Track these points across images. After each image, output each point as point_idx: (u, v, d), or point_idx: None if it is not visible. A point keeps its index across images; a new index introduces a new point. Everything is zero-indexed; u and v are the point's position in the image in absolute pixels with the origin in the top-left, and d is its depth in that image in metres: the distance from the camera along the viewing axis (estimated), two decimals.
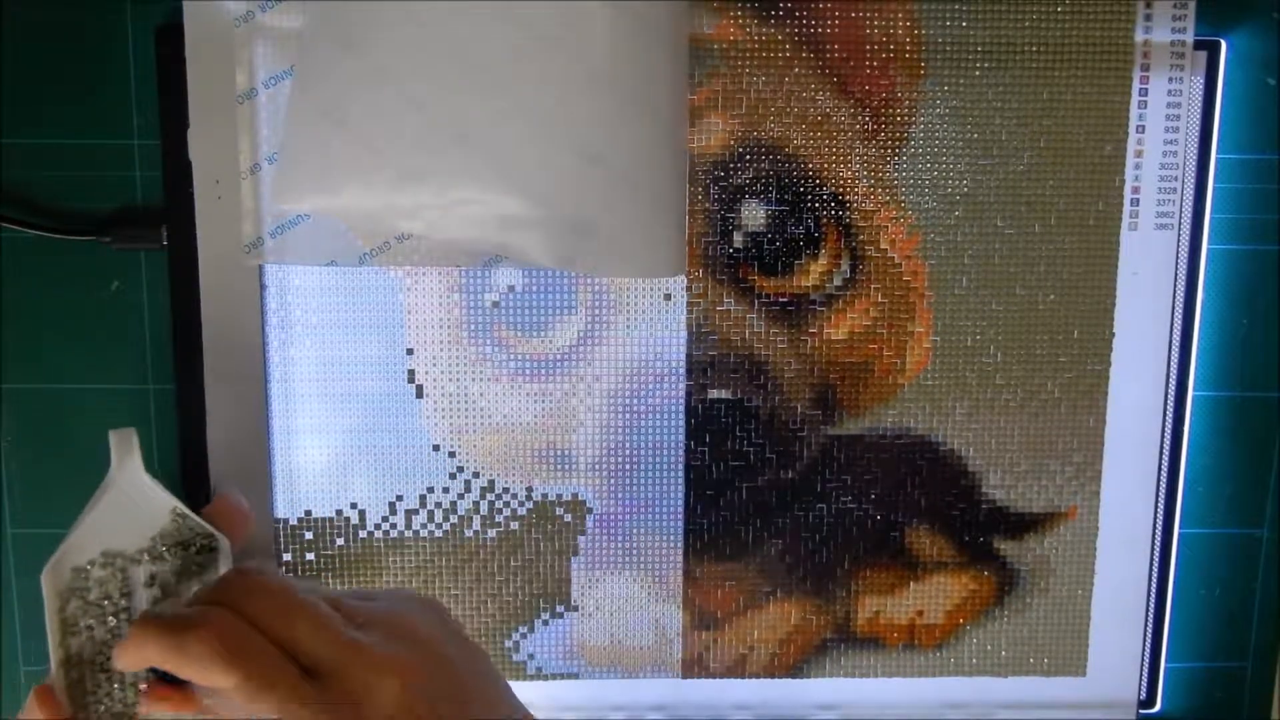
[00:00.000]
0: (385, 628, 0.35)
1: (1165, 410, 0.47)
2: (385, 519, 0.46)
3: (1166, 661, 0.50)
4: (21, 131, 0.44)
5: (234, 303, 0.44)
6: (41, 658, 0.48)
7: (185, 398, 0.45)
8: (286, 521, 0.46)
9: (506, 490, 0.47)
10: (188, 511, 0.39)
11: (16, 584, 0.47)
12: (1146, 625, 0.49)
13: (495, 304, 0.45)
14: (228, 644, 0.32)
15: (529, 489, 0.47)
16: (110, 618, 0.39)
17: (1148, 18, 0.44)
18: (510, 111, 0.40)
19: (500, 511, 0.47)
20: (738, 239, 0.45)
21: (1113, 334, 0.47)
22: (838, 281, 0.46)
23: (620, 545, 0.47)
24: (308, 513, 0.46)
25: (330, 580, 0.46)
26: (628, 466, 0.47)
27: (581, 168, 0.40)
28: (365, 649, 0.34)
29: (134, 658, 0.33)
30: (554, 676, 0.48)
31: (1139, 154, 0.45)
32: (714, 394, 0.46)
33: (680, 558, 0.47)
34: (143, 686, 0.36)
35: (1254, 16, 0.46)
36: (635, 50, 0.40)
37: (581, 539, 0.47)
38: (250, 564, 0.37)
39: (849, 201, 0.45)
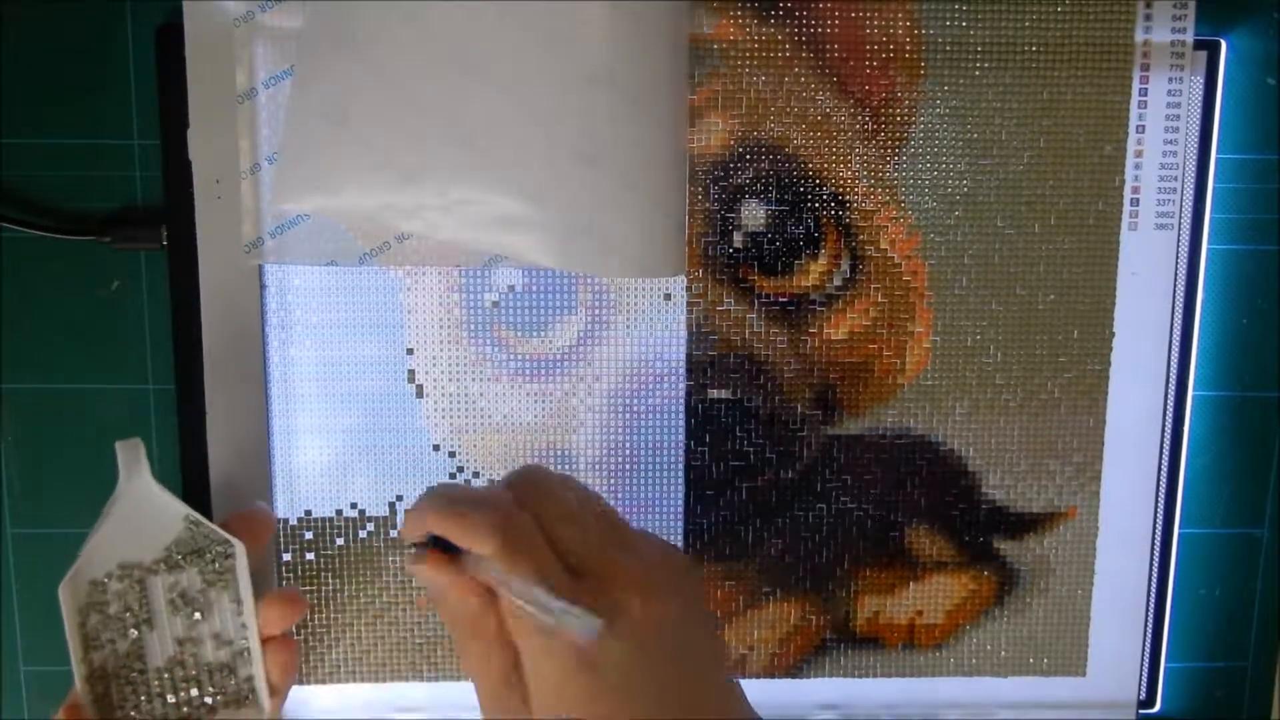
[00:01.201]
0: (644, 559, 0.37)
1: (1165, 410, 0.47)
2: (385, 519, 0.46)
3: (1166, 661, 0.50)
4: (21, 131, 0.44)
5: (234, 303, 0.44)
6: (42, 657, 0.48)
7: (185, 398, 0.45)
8: (286, 521, 0.46)
9: None
10: (200, 519, 0.39)
11: (17, 584, 0.47)
12: (1146, 625, 0.49)
13: (495, 304, 0.45)
14: (502, 519, 0.35)
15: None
16: (132, 630, 0.39)
17: (1148, 17, 0.44)
18: (510, 111, 0.40)
19: None
20: (737, 239, 0.45)
21: (1113, 334, 0.47)
22: (838, 281, 0.46)
23: None
24: (308, 512, 0.46)
25: (330, 580, 0.46)
26: (628, 466, 0.47)
27: (581, 168, 0.40)
28: (621, 565, 0.36)
29: (419, 522, 0.36)
30: None
31: (1139, 154, 0.45)
32: (714, 394, 0.46)
33: None
34: (412, 550, 0.37)
35: (1254, 16, 0.46)
36: (635, 50, 0.40)
37: None
38: (532, 466, 0.39)
39: (849, 201, 0.45)
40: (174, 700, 0.40)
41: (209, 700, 0.40)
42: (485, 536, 0.35)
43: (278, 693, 0.42)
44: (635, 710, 0.35)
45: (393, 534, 0.46)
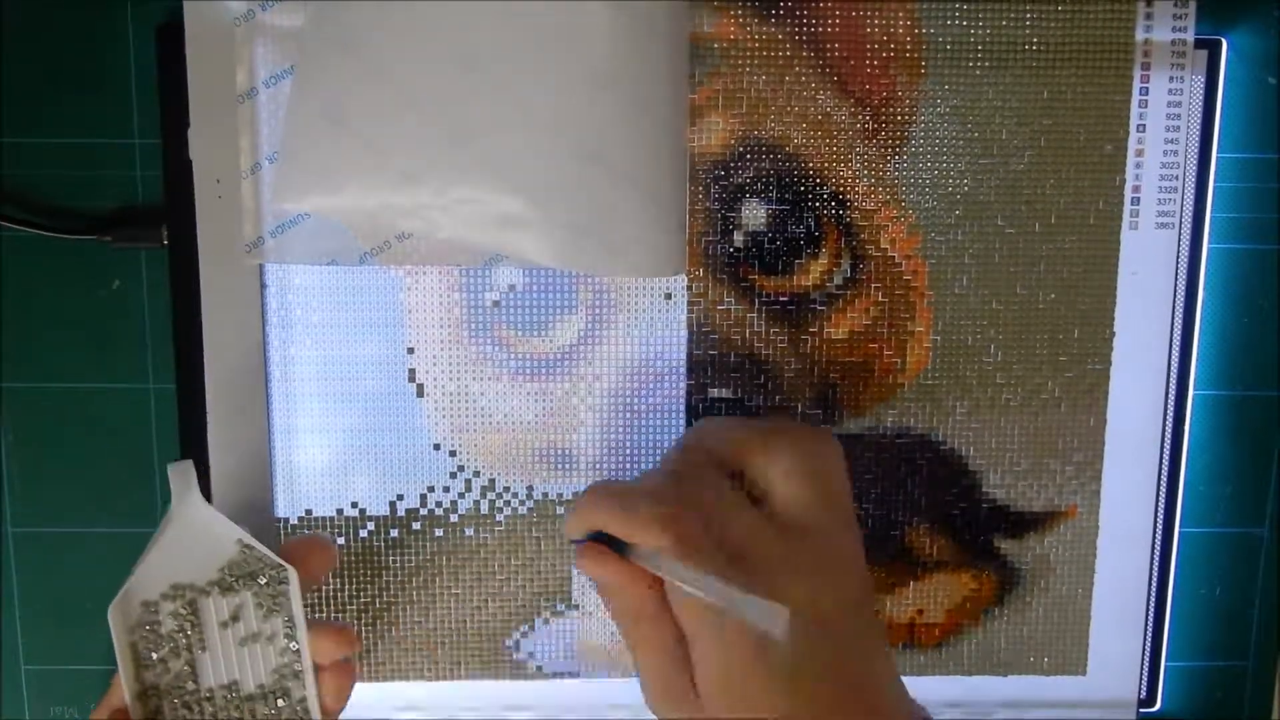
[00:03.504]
0: (807, 545, 0.37)
1: (1165, 409, 0.47)
2: (386, 518, 0.46)
3: (1167, 661, 0.50)
4: (21, 131, 0.44)
5: (234, 302, 0.44)
6: (42, 656, 0.48)
7: (185, 398, 0.45)
8: (287, 521, 0.46)
9: (507, 489, 0.47)
10: (254, 542, 0.39)
11: (18, 583, 0.47)
12: (1147, 624, 0.49)
13: (496, 303, 0.45)
14: (669, 513, 0.36)
15: (529, 488, 0.47)
16: (184, 651, 0.39)
17: (1148, 16, 0.44)
18: (510, 111, 0.40)
19: (501, 511, 0.47)
20: (738, 238, 0.45)
21: (1113, 333, 0.47)
22: (838, 281, 0.46)
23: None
24: (308, 512, 0.46)
25: (330, 579, 0.46)
26: (628, 466, 0.47)
27: (581, 168, 0.40)
28: (784, 553, 0.37)
29: (584, 519, 0.37)
30: (554, 675, 0.48)
31: (1139, 153, 0.45)
32: (714, 393, 0.46)
33: None
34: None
35: (1255, 15, 0.46)
36: (635, 50, 0.40)
37: None
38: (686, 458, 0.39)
39: (849, 201, 0.45)
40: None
41: None
42: (654, 531, 0.36)
43: (330, 715, 0.42)
44: (801, 690, 0.36)
45: (393, 533, 0.46)
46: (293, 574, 0.40)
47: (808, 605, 0.36)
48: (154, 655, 0.39)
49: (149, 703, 0.39)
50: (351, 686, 0.42)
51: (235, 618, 0.40)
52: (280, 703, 0.40)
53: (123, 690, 0.39)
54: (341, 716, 0.47)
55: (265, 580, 0.40)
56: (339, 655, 0.41)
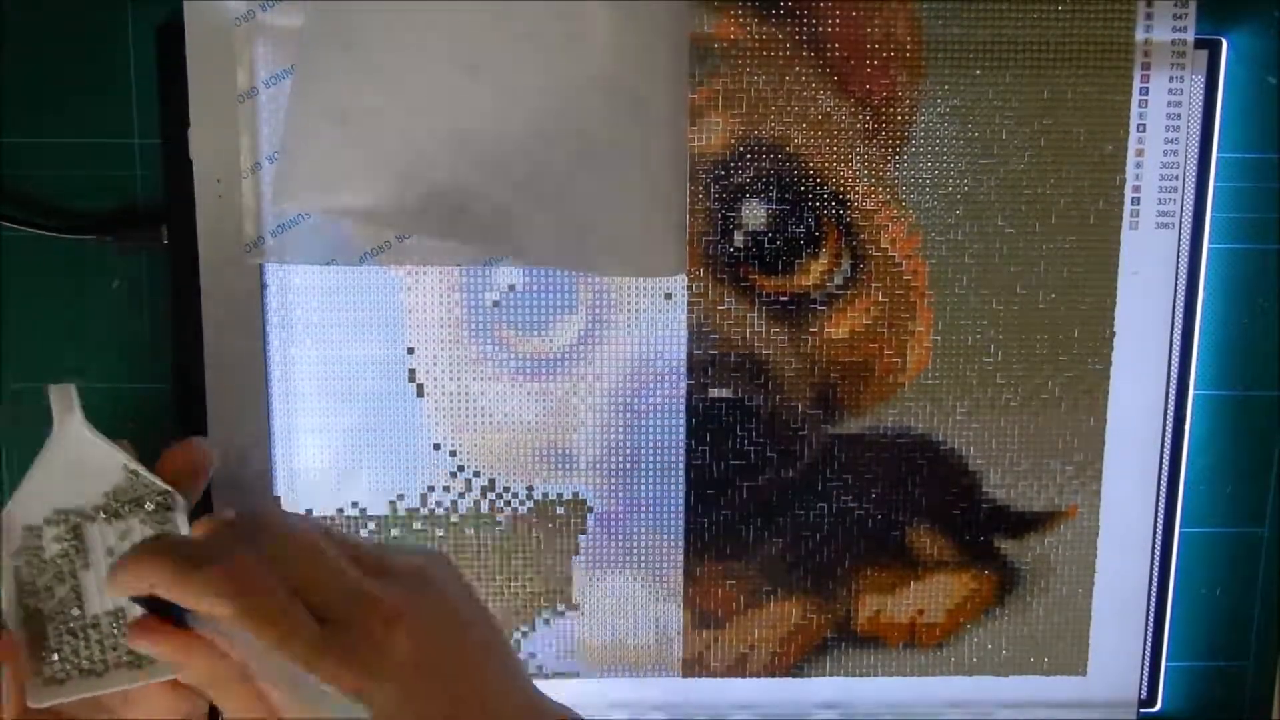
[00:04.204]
0: (401, 582, 0.34)
1: (1165, 409, 0.47)
2: (387, 518, 0.46)
3: (1167, 661, 0.50)
4: (22, 131, 0.44)
5: (234, 302, 0.44)
6: None
7: (185, 398, 0.45)
8: None
9: (507, 489, 0.47)
10: (139, 467, 0.38)
11: None
12: (1147, 624, 0.49)
13: (496, 303, 0.45)
14: (237, 573, 0.31)
15: (530, 488, 0.47)
16: (69, 577, 0.39)
17: (1148, 16, 0.44)
18: (510, 111, 0.40)
19: (501, 510, 0.47)
20: (738, 238, 0.45)
21: (1113, 333, 0.47)
22: (838, 281, 0.46)
23: (621, 544, 0.47)
24: (309, 511, 0.46)
25: None
26: (628, 465, 0.47)
27: (582, 167, 0.40)
28: (378, 600, 0.32)
29: (134, 580, 0.31)
30: (555, 675, 0.48)
31: (1139, 153, 0.45)
32: (714, 393, 0.46)
33: (681, 557, 0.47)
34: (124, 621, 0.35)
35: (1255, 15, 0.46)
36: (635, 50, 0.40)
37: (582, 538, 0.47)
38: (260, 505, 0.35)
39: (849, 200, 0.45)
40: (114, 647, 0.39)
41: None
42: (219, 597, 0.30)
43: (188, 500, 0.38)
44: None
45: (395, 533, 0.46)
46: (179, 499, 0.39)
47: (415, 659, 0.32)
48: (37, 581, 0.38)
49: (33, 628, 0.38)
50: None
51: (122, 540, 0.38)
52: None
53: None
54: (342, 717, 0.47)
55: (152, 506, 0.39)
56: (195, 478, 0.38)
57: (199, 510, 0.41)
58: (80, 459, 0.38)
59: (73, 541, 0.39)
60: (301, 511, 0.46)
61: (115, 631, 0.39)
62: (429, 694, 0.33)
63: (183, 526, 0.39)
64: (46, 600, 0.38)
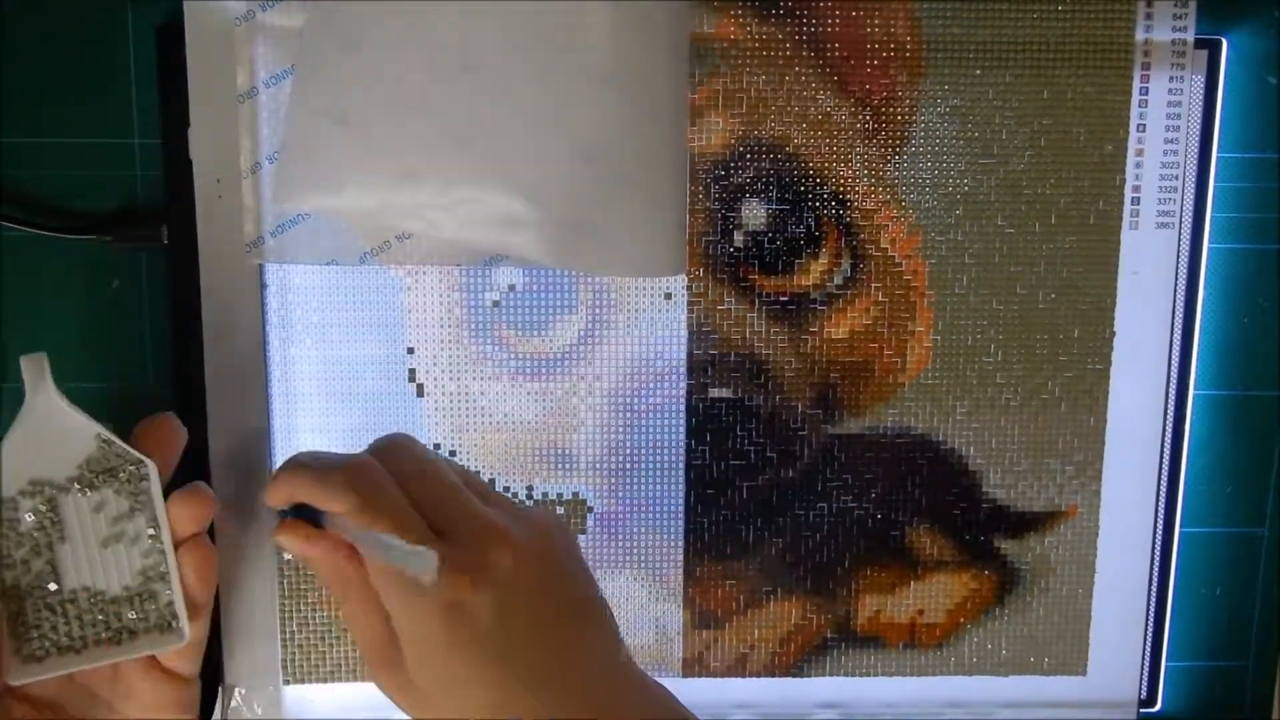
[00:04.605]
0: (513, 516, 0.37)
1: (1165, 409, 0.47)
2: None
3: (1167, 661, 0.50)
4: (22, 131, 0.44)
5: (234, 302, 0.44)
6: None
7: (185, 398, 0.45)
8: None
9: (507, 489, 0.47)
10: (113, 437, 0.38)
11: None
12: (1147, 624, 0.49)
13: (496, 303, 0.45)
14: (359, 474, 0.35)
15: (529, 488, 0.47)
16: (45, 550, 0.38)
17: (1148, 16, 0.44)
18: (510, 111, 0.40)
19: None
20: (738, 238, 0.45)
21: (1113, 333, 0.47)
22: (838, 280, 0.46)
23: (621, 544, 0.47)
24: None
25: None
26: (628, 465, 0.47)
27: (581, 167, 0.40)
28: (489, 521, 0.36)
29: (282, 488, 0.36)
30: None
31: (1139, 153, 0.45)
32: (714, 393, 0.46)
33: (681, 557, 0.47)
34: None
35: (1255, 15, 0.46)
36: (635, 49, 0.40)
37: (582, 538, 0.47)
38: (392, 434, 0.39)
39: (849, 200, 0.45)
40: (93, 624, 0.39)
41: (131, 626, 0.39)
42: (340, 494, 0.35)
43: (199, 609, 0.40)
44: (505, 664, 0.34)
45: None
46: (153, 468, 0.39)
47: (515, 579, 0.35)
48: (14, 554, 0.38)
49: (10, 604, 0.38)
50: (215, 569, 0.40)
51: (98, 516, 0.39)
52: (148, 605, 0.39)
53: None
54: (344, 717, 0.47)
55: (126, 476, 0.39)
56: (201, 523, 0.39)
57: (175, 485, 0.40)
58: (54, 428, 0.38)
59: (48, 514, 0.38)
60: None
61: (93, 608, 0.39)
62: (519, 615, 0.35)
63: (157, 497, 0.39)
64: (23, 574, 0.38)
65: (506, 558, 0.35)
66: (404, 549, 0.33)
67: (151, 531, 0.39)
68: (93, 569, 0.39)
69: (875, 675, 0.49)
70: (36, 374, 0.38)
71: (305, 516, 0.37)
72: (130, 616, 0.39)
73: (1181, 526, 0.49)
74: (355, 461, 0.36)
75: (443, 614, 0.34)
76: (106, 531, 0.39)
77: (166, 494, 0.39)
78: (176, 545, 0.39)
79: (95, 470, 0.39)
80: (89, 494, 0.39)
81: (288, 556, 0.46)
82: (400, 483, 0.36)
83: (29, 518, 0.38)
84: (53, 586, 0.39)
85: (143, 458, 0.39)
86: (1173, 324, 0.47)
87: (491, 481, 0.46)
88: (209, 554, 0.40)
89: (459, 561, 0.34)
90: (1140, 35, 0.44)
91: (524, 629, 0.35)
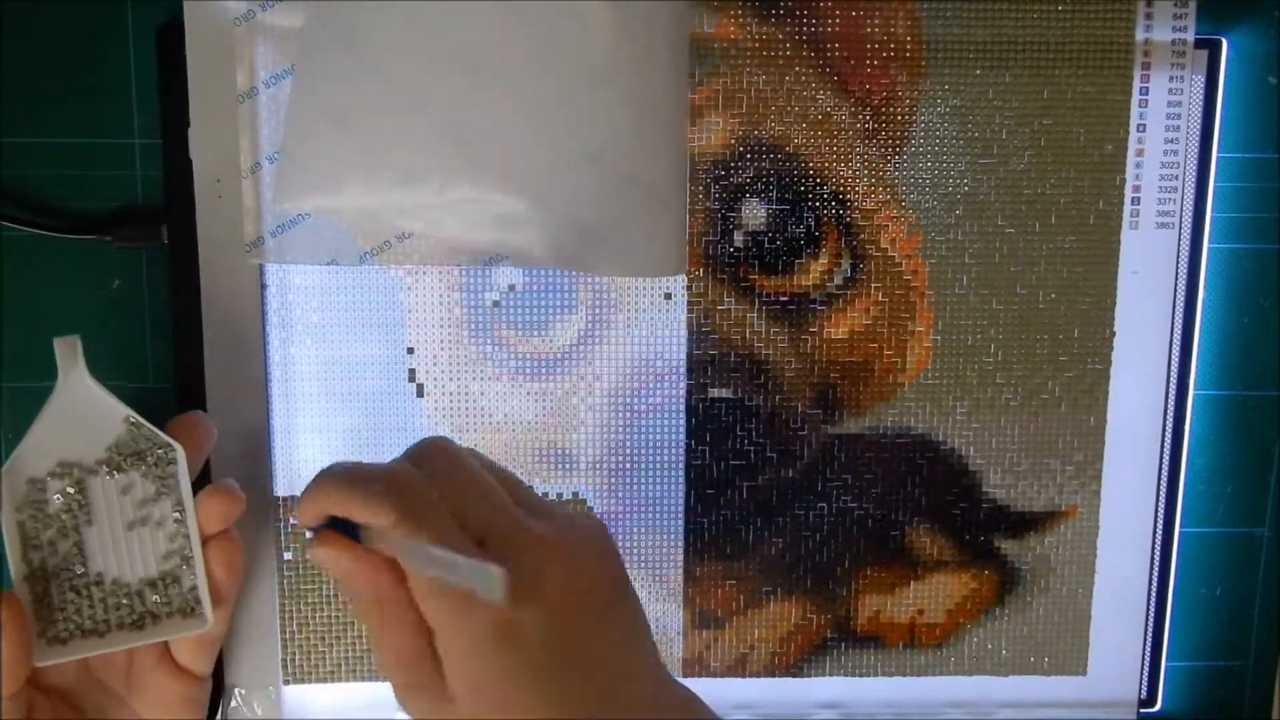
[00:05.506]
0: (558, 526, 0.35)
1: (1165, 409, 0.47)
2: None
3: (1167, 661, 0.50)
4: (22, 131, 0.44)
5: (234, 302, 0.44)
6: None
7: (185, 398, 0.45)
8: (288, 520, 0.46)
9: None
10: (142, 420, 0.38)
11: None
12: (1147, 624, 0.49)
13: (496, 303, 0.45)
14: (397, 483, 0.33)
15: (529, 488, 0.47)
16: (72, 532, 0.38)
17: (1148, 16, 0.44)
18: (510, 111, 0.40)
19: None
20: (738, 238, 0.45)
21: (1113, 333, 0.47)
22: (838, 280, 0.46)
23: (621, 544, 0.47)
24: None
25: (331, 579, 0.46)
26: (628, 465, 0.47)
27: (582, 167, 0.40)
28: (536, 533, 0.34)
29: (314, 503, 0.33)
30: None
31: (1139, 153, 0.45)
32: (714, 393, 0.46)
33: (681, 557, 0.47)
34: (309, 535, 0.35)
35: (1255, 15, 0.46)
36: (635, 49, 0.40)
37: None
38: (429, 437, 0.37)
39: (849, 200, 0.45)
40: (117, 607, 0.39)
41: (154, 610, 0.39)
42: (381, 506, 0.32)
43: (223, 598, 0.40)
44: (555, 686, 0.33)
45: None
46: (180, 452, 0.39)
47: (563, 595, 0.33)
48: (41, 535, 0.38)
49: (36, 586, 0.38)
50: (241, 561, 0.40)
51: (125, 499, 0.39)
52: (172, 590, 0.39)
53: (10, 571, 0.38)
54: (344, 717, 0.47)
55: (154, 459, 0.39)
56: (229, 519, 0.39)
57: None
58: (84, 410, 0.38)
59: (76, 496, 0.38)
60: None
61: (117, 591, 0.39)
62: (571, 634, 0.33)
63: (184, 481, 0.39)
64: (50, 555, 0.38)
65: (554, 573, 0.33)
66: (468, 565, 0.30)
67: (177, 516, 0.39)
68: (118, 552, 0.39)
69: (875, 675, 0.49)
70: (69, 356, 0.38)
71: (340, 529, 0.34)
72: (154, 600, 0.39)
73: (1181, 526, 0.49)
74: (395, 471, 0.34)
75: (493, 633, 0.32)
76: (133, 515, 0.39)
77: (196, 490, 0.39)
78: (205, 540, 0.39)
79: (123, 453, 0.39)
80: (116, 476, 0.39)
81: (288, 557, 0.46)
82: (444, 493, 0.34)
83: (57, 499, 0.38)
84: (79, 569, 0.39)
85: (171, 441, 0.39)
86: (1173, 324, 0.47)
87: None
88: (236, 545, 0.40)
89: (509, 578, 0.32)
90: (1140, 35, 0.44)
91: (575, 650, 0.33)
